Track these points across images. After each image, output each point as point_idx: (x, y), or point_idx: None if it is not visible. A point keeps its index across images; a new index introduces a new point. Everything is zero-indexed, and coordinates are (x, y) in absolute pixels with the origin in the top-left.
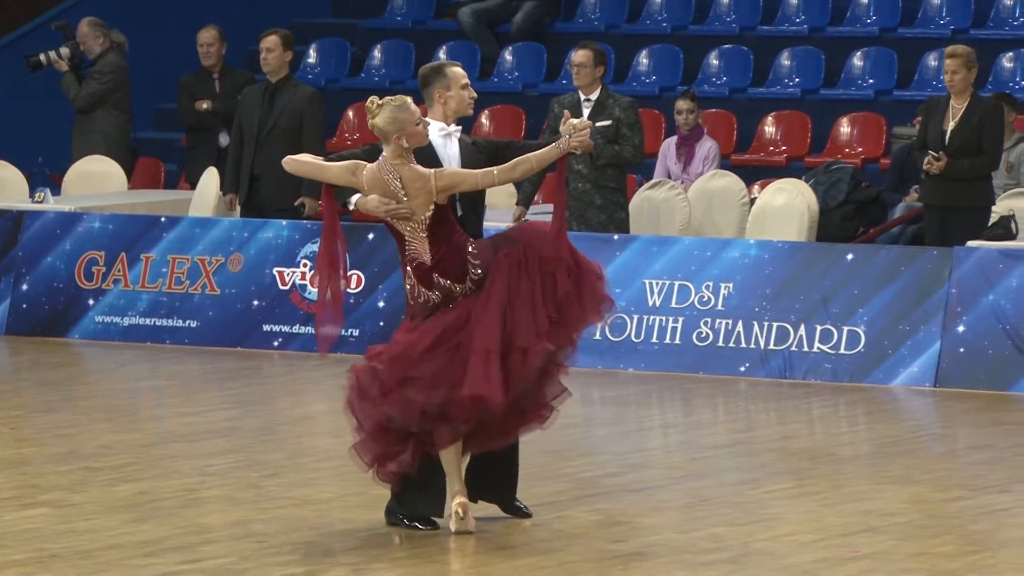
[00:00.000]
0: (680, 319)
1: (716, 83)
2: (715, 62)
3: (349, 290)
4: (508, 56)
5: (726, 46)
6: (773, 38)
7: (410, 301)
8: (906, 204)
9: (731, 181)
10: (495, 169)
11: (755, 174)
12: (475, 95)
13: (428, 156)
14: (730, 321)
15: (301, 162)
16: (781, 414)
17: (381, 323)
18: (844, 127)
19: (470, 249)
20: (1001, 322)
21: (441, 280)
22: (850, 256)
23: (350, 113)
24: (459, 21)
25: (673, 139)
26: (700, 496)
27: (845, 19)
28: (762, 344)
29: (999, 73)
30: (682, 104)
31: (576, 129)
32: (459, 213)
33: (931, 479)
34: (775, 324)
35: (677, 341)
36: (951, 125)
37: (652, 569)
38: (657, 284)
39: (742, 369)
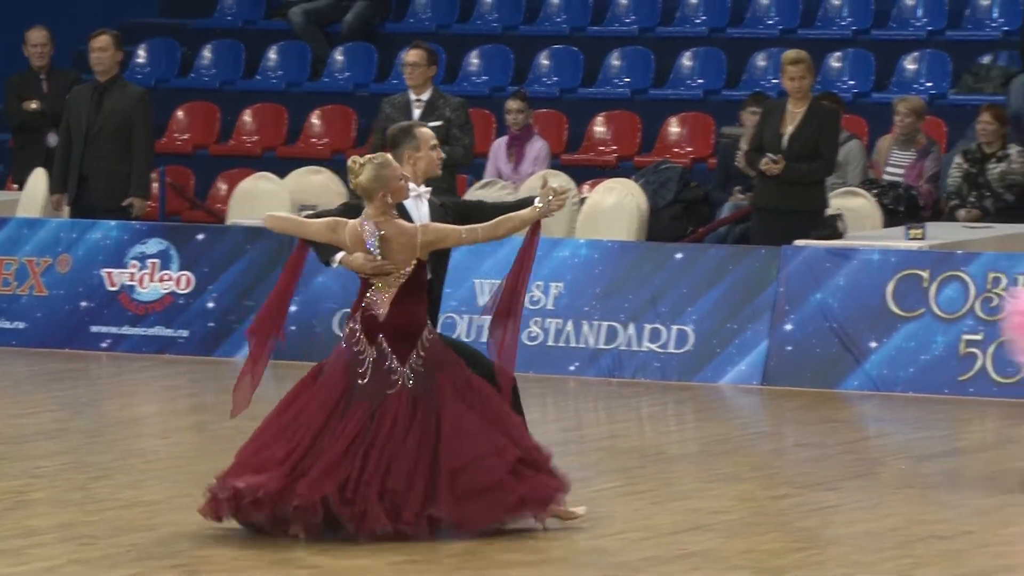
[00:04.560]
0: None
1: (546, 83)
2: (545, 62)
3: (178, 291)
4: (339, 56)
5: (556, 46)
6: (603, 38)
7: (342, 344)
8: (733, 203)
9: (561, 181)
10: (479, 226)
11: (585, 174)
12: (443, 156)
13: (400, 217)
14: (560, 320)
15: (281, 219)
16: (610, 413)
17: (211, 324)
18: (673, 127)
19: (426, 333)
20: (828, 320)
21: (384, 344)
22: (679, 255)
23: (180, 113)
24: (289, 21)
25: (504, 139)
26: None
27: (674, 20)
28: (592, 343)
29: (827, 73)
30: (512, 104)
31: (555, 194)
32: (428, 276)
33: (759, 477)
34: (604, 323)
35: None
36: (790, 129)
37: (481, 568)
38: (487, 284)
39: (572, 368)
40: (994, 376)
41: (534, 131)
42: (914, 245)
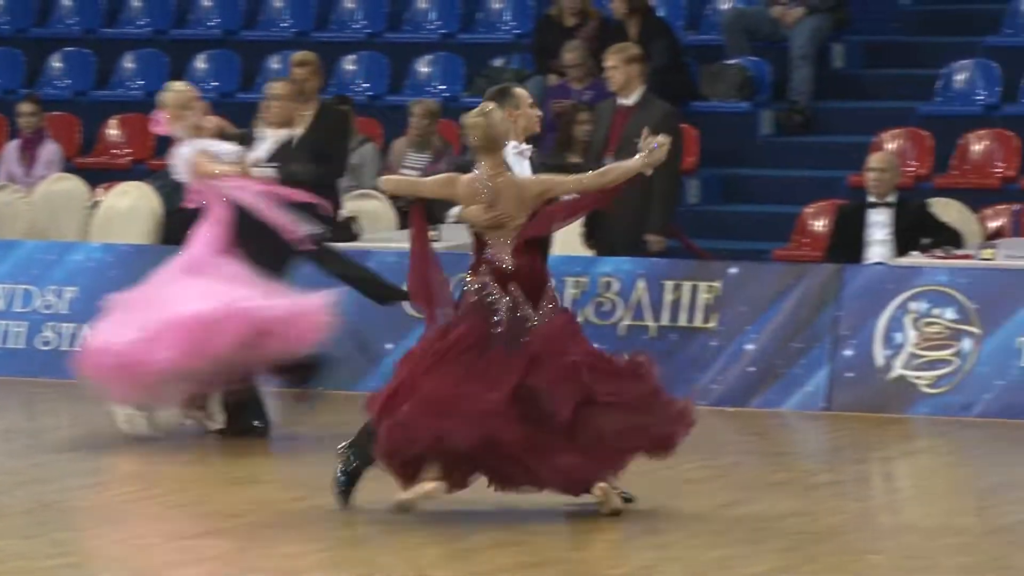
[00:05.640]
0: (24, 324)
1: (59, 86)
2: (58, 65)
3: None
4: None
5: (69, 48)
6: (116, 40)
7: (472, 298)
8: None
9: (75, 184)
10: (586, 175)
11: (99, 177)
12: (541, 113)
13: None
14: (75, 325)
15: (397, 181)
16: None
17: None
18: None
19: (551, 283)
20: (345, 322)
21: (517, 292)
22: None
23: None
24: None
25: (16, 143)
26: (42, 501)
27: (187, 22)
28: None
29: (341, 75)
30: (24, 107)
31: (660, 144)
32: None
33: (277, 480)
34: None
35: (20, 346)
36: (299, 131)
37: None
38: (1, 289)
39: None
40: None
41: (46, 134)
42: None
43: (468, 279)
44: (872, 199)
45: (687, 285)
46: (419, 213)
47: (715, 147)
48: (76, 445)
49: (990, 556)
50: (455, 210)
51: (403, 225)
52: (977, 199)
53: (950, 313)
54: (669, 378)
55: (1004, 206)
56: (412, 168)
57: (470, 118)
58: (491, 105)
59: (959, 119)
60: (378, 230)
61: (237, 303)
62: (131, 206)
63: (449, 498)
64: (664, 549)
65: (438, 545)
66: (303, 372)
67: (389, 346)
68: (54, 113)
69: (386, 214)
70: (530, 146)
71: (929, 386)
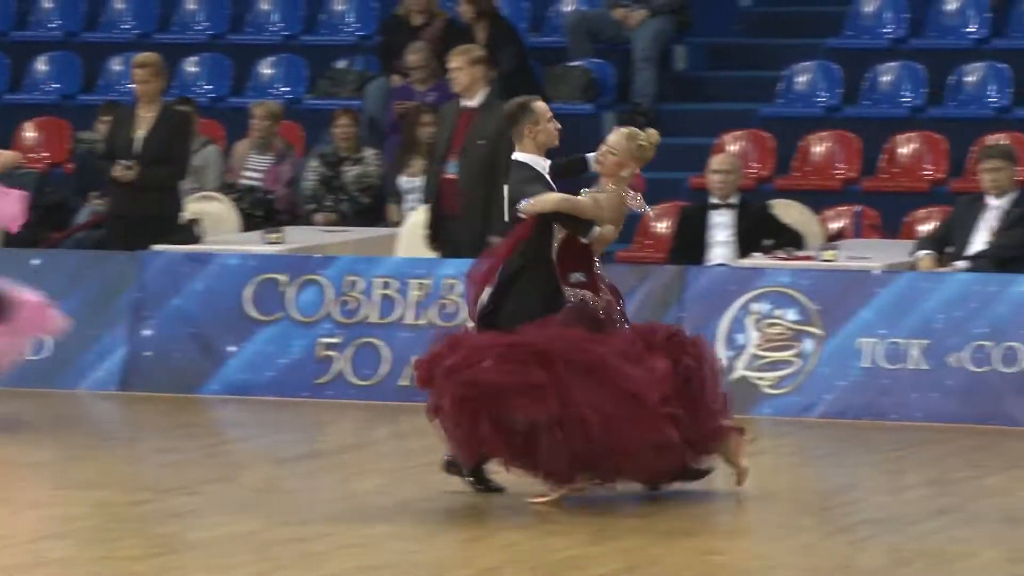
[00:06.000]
0: None
1: None
2: None
3: None
4: None
5: None
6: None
7: (599, 315)
8: (90, 208)
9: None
10: None
11: None
12: (559, 126)
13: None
14: None
15: (555, 199)
16: None
17: None
18: (29, 132)
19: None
20: (188, 325)
21: (607, 295)
22: (37, 261)
23: None
24: None
25: None
26: None
27: (29, 24)
28: None
29: (184, 77)
30: None
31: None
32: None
33: (117, 483)
34: None
35: None
36: (141, 134)
37: None
38: None
39: None
40: (352, 379)
41: None
42: (272, 249)
43: (589, 295)
44: (714, 201)
45: None
46: (528, 228)
47: (559, 149)
48: None
49: (833, 557)
50: (597, 229)
51: (245, 227)
52: (818, 200)
53: (792, 314)
54: None
55: (845, 207)
56: (254, 170)
57: (639, 139)
58: (630, 128)
59: (800, 121)
60: (220, 232)
61: None
62: None
63: (293, 501)
64: (508, 550)
65: (281, 546)
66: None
67: (231, 348)
68: None
69: (229, 216)
70: (548, 160)
71: (771, 387)
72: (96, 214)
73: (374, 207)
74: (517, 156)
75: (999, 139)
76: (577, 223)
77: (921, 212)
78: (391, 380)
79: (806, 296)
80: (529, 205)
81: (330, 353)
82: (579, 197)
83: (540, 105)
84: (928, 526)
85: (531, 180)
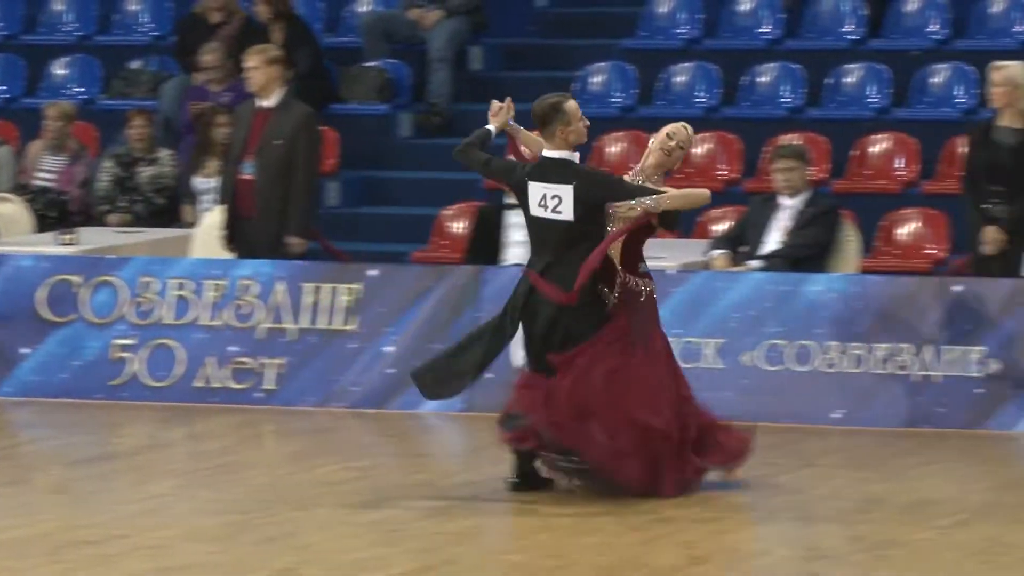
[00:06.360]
0: None
1: None
2: None
3: None
4: None
5: None
6: None
7: (634, 291)
8: None
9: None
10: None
11: None
12: (588, 123)
13: None
14: None
15: (679, 196)
16: None
17: None
18: None
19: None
20: None
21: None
22: None
23: None
24: None
25: None
26: None
27: None
28: None
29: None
30: None
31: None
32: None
33: None
34: None
35: None
36: None
37: None
38: None
39: None
40: (146, 380)
41: None
42: (66, 251)
43: (643, 283)
44: (509, 201)
45: (327, 287)
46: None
47: (354, 149)
48: None
49: (626, 555)
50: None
51: (41, 228)
52: None
53: None
54: (309, 381)
55: None
56: (48, 171)
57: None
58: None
59: (595, 122)
60: (13, 234)
61: None
62: None
63: (87, 503)
64: (304, 551)
65: (75, 549)
66: None
67: (25, 350)
68: None
69: (23, 217)
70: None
71: None
72: None
73: (169, 208)
74: (553, 154)
75: (792, 139)
76: (676, 216)
77: (715, 212)
78: (185, 381)
79: None
80: (655, 203)
81: (124, 354)
82: (690, 190)
83: (572, 105)
84: (722, 524)
85: (621, 180)
